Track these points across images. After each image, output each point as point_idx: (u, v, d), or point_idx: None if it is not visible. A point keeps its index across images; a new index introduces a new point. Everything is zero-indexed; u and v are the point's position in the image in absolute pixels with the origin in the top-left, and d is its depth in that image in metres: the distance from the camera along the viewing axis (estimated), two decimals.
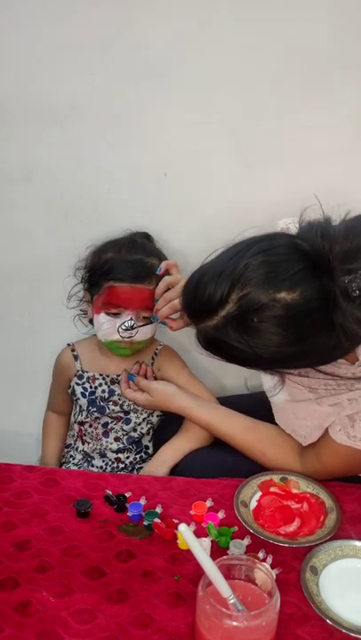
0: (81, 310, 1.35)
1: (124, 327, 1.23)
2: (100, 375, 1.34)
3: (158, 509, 1.00)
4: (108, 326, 1.24)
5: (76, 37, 1.24)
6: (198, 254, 1.32)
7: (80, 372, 1.35)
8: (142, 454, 1.36)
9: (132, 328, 1.23)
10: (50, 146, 1.33)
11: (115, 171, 1.34)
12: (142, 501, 1.02)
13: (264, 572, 0.79)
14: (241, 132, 1.28)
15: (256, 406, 1.38)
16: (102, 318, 1.24)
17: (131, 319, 1.23)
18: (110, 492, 1.03)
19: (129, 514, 1.00)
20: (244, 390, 1.46)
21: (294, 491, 1.05)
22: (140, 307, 1.23)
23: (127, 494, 1.03)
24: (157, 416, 1.36)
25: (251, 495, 1.04)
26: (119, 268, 1.21)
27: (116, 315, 1.23)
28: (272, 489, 1.05)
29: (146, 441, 1.37)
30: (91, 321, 1.32)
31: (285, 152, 1.28)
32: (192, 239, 1.35)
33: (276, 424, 1.16)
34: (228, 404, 1.30)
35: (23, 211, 1.41)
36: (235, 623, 0.71)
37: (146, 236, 1.33)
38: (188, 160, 1.31)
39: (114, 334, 1.24)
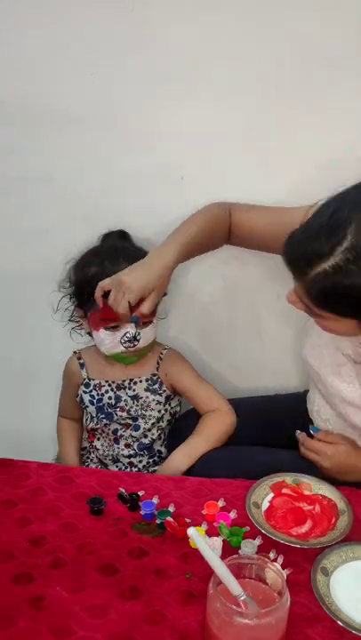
0: (71, 321, 1.35)
1: (126, 338, 1.22)
2: (106, 382, 1.33)
3: (171, 508, 1.01)
4: (110, 340, 1.23)
5: (97, 43, 1.26)
6: (215, 255, 1.34)
7: (87, 380, 1.35)
8: (155, 458, 1.36)
9: (134, 338, 1.22)
10: (68, 149, 1.36)
11: (131, 173, 1.36)
12: (155, 500, 1.03)
13: (275, 572, 0.79)
14: (257, 134, 1.29)
15: (270, 408, 1.40)
16: (102, 334, 1.23)
17: (131, 330, 1.21)
18: (124, 491, 1.04)
19: (142, 512, 1.01)
20: (256, 392, 1.47)
21: (306, 492, 1.05)
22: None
23: (140, 493, 1.05)
24: (167, 421, 1.36)
25: (263, 496, 1.04)
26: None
27: (115, 328, 1.22)
28: (284, 490, 1.05)
29: (158, 446, 1.36)
30: (88, 333, 1.31)
31: (301, 153, 1.28)
32: None
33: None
34: (241, 406, 1.31)
35: (39, 212, 1.43)
36: (245, 621, 0.72)
37: (122, 236, 1.32)
38: (204, 162, 1.32)
39: (117, 347, 1.23)
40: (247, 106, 1.27)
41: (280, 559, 0.91)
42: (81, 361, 1.37)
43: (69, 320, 1.35)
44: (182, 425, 1.34)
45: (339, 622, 0.80)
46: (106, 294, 1.15)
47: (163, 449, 1.37)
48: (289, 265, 0.92)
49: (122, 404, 1.32)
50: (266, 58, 1.23)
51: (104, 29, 1.25)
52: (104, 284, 1.15)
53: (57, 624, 0.81)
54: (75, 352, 1.39)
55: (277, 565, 0.83)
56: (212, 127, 1.29)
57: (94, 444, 1.39)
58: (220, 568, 0.75)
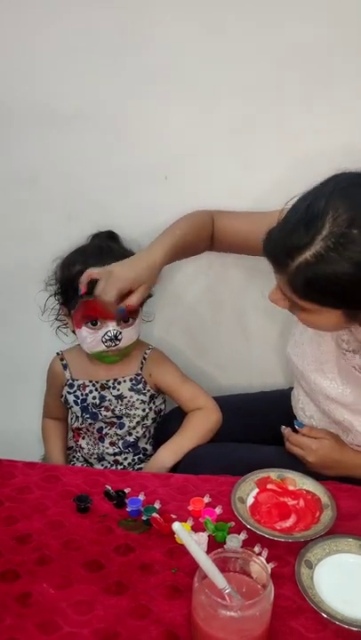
0: (58, 320, 1.35)
1: (107, 337, 1.22)
2: (90, 382, 1.34)
3: (157, 505, 1.02)
4: (92, 339, 1.23)
5: (79, 41, 1.26)
6: (199, 255, 1.35)
7: (70, 381, 1.35)
8: (141, 456, 1.37)
9: (115, 338, 1.23)
10: (54, 149, 1.36)
11: (117, 173, 1.37)
12: (141, 497, 1.03)
13: (259, 565, 0.80)
14: (242, 135, 1.30)
15: (255, 405, 1.41)
16: (84, 332, 1.23)
17: (112, 329, 1.22)
18: (110, 488, 1.05)
19: (128, 509, 1.02)
20: (241, 390, 1.48)
21: (291, 488, 1.06)
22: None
23: (126, 490, 1.05)
24: (152, 419, 1.36)
25: (248, 492, 1.05)
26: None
27: (96, 326, 1.22)
28: (269, 486, 1.06)
29: (143, 443, 1.37)
30: (73, 332, 1.31)
31: (286, 155, 1.30)
32: None
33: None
34: (226, 403, 1.32)
35: (27, 212, 1.43)
36: (230, 613, 0.73)
37: (110, 236, 1.32)
38: (190, 163, 1.33)
39: (99, 345, 1.23)
40: (232, 106, 1.28)
41: (265, 553, 0.92)
42: (64, 362, 1.37)
43: (55, 319, 1.35)
44: (168, 423, 1.35)
45: (322, 614, 0.81)
46: (91, 286, 1.15)
47: (148, 446, 1.38)
48: (270, 259, 0.93)
49: (106, 403, 1.33)
50: (251, 59, 1.24)
51: (90, 30, 1.25)
52: (92, 271, 1.14)
53: (44, 620, 0.81)
54: (57, 353, 1.39)
55: (262, 559, 0.84)
56: (196, 127, 1.30)
57: (79, 443, 1.39)
58: (205, 561, 0.76)
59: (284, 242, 0.89)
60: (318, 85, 1.25)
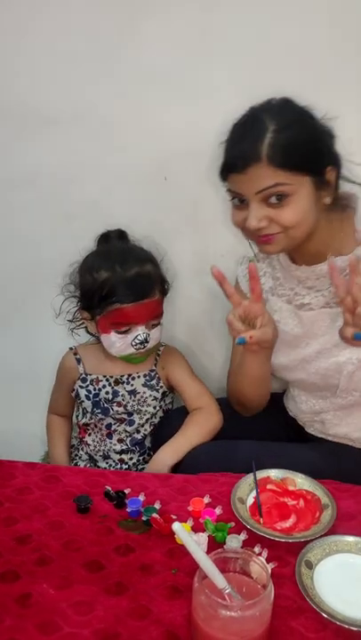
0: (69, 321, 1.35)
1: (137, 341, 1.25)
2: (104, 377, 1.35)
3: (157, 505, 1.02)
4: (121, 343, 1.25)
5: (77, 42, 1.27)
6: (199, 257, 1.35)
7: (83, 375, 1.37)
8: (145, 456, 1.38)
9: (145, 341, 1.25)
10: (52, 150, 1.36)
11: (116, 174, 1.37)
12: (141, 497, 1.03)
13: (259, 565, 0.80)
14: None
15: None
16: (113, 337, 1.25)
17: (143, 333, 1.24)
18: (110, 489, 1.05)
19: (128, 510, 1.02)
20: None
21: (291, 488, 1.06)
22: (149, 319, 1.25)
23: (126, 491, 1.05)
24: (159, 417, 1.38)
25: (248, 492, 1.05)
26: (121, 290, 1.20)
27: (126, 332, 1.24)
28: (269, 486, 1.06)
29: (148, 442, 1.38)
30: (91, 334, 1.33)
31: None
32: (193, 242, 1.38)
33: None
34: (229, 404, 1.32)
35: (25, 214, 1.43)
36: (230, 613, 0.73)
37: (122, 236, 1.33)
38: (188, 163, 1.33)
39: (128, 349, 1.26)
40: (231, 106, 1.28)
41: (265, 553, 0.92)
42: (77, 356, 1.39)
43: (69, 321, 1.35)
44: (167, 424, 1.35)
45: (322, 614, 0.81)
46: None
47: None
48: (242, 166, 1.02)
49: (119, 399, 1.34)
50: (250, 59, 1.25)
51: (88, 31, 1.26)
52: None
53: (44, 621, 0.81)
54: (70, 348, 1.41)
55: (262, 559, 0.84)
56: (196, 127, 1.31)
57: (85, 439, 1.40)
58: (205, 562, 0.76)
59: (242, 145, 1.02)
60: (317, 85, 1.24)
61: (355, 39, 1.22)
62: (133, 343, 1.25)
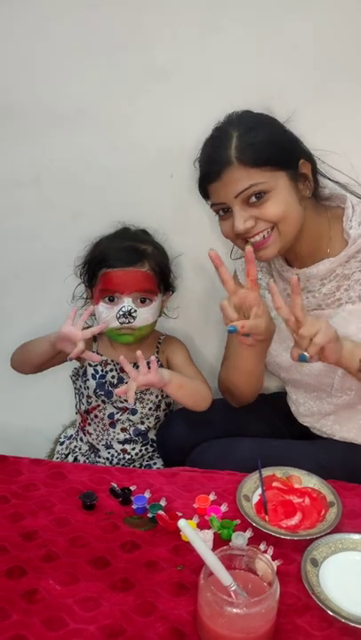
0: (83, 300, 1.36)
1: (121, 312, 1.24)
2: (112, 361, 1.35)
3: (162, 502, 1.02)
4: (107, 314, 1.25)
5: (82, 41, 1.26)
6: (200, 254, 1.34)
7: (95, 352, 1.36)
8: (148, 447, 1.38)
9: (129, 314, 1.24)
10: (57, 148, 1.36)
11: (122, 172, 1.37)
12: (147, 494, 1.04)
13: (265, 562, 0.81)
14: None
15: (257, 401, 1.41)
16: (101, 307, 1.26)
17: (127, 305, 1.24)
18: (116, 485, 1.05)
19: (134, 506, 1.02)
20: None
21: (296, 486, 1.06)
22: (135, 290, 1.24)
23: (132, 487, 1.06)
24: (163, 410, 1.38)
25: (253, 489, 1.05)
26: (110, 255, 1.25)
27: (112, 301, 1.25)
28: (274, 484, 1.06)
29: (152, 434, 1.39)
30: (94, 316, 1.32)
31: None
32: (197, 240, 1.37)
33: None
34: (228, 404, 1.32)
35: (31, 212, 1.43)
36: (235, 610, 0.73)
37: (143, 232, 1.34)
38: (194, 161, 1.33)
39: (113, 321, 1.25)
40: (235, 104, 1.27)
41: (270, 551, 0.92)
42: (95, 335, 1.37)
43: (82, 307, 1.33)
44: (168, 423, 1.36)
45: (328, 611, 0.81)
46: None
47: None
48: (216, 173, 1.05)
49: (123, 385, 1.33)
50: (253, 57, 1.24)
51: (92, 28, 1.25)
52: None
53: (50, 617, 0.82)
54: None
55: (267, 556, 0.84)
56: (201, 125, 1.30)
57: (86, 428, 1.40)
58: (211, 559, 0.77)
59: (214, 152, 1.07)
60: (318, 84, 1.25)
61: (356, 39, 1.21)
62: (118, 315, 1.24)
